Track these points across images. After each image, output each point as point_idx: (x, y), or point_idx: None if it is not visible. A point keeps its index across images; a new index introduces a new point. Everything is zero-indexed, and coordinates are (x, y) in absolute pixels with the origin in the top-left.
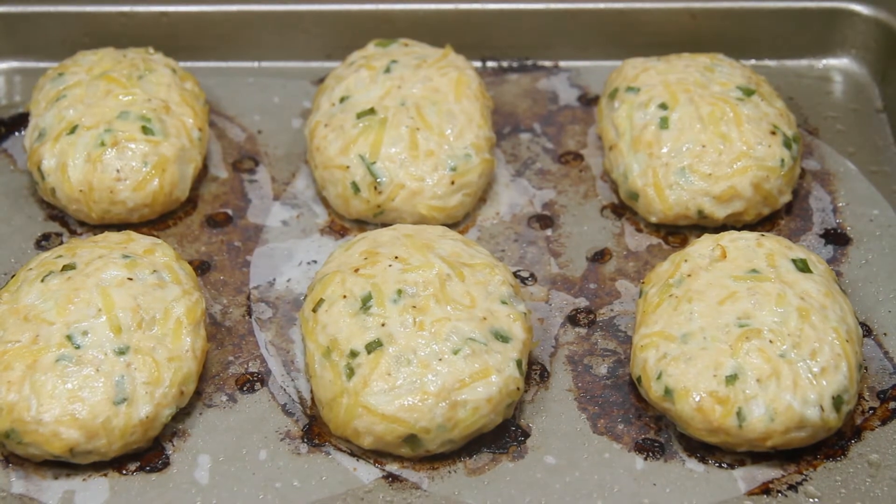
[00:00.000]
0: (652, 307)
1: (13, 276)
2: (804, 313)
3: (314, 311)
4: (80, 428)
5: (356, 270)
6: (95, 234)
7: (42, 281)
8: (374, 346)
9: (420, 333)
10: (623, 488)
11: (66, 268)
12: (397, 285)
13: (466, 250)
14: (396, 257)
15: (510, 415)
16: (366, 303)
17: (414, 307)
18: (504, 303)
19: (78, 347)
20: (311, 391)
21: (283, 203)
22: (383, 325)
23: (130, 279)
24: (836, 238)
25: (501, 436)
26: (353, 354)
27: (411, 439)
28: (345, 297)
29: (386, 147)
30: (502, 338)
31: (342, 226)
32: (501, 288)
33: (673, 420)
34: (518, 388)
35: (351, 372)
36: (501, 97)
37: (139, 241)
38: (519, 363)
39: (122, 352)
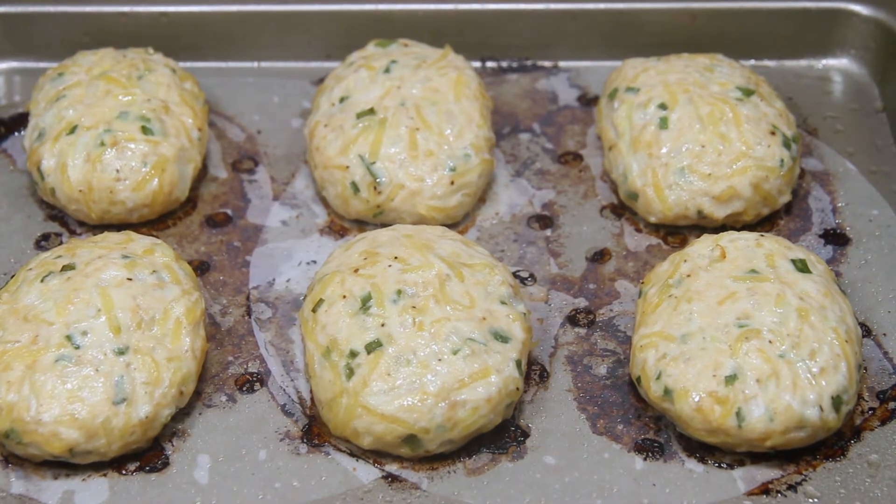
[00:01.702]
0: (651, 307)
1: (13, 276)
2: (803, 313)
3: (314, 311)
4: (80, 428)
5: (356, 271)
6: (95, 235)
7: (42, 281)
8: (373, 347)
9: (419, 334)
10: (622, 488)
11: (65, 268)
12: (397, 285)
13: (466, 250)
14: (396, 257)
15: (509, 415)
16: (365, 303)
17: (413, 307)
18: (503, 303)
19: (77, 347)
20: (311, 391)
21: (282, 203)
22: (383, 325)
23: (130, 279)
24: (836, 238)
25: (501, 436)
26: (353, 354)
27: (411, 439)
28: (344, 297)
29: (385, 147)
30: (502, 338)
31: (342, 226)
32: (501, 288)
33: (672, 420)
34: (517, 389)
35: (350, 372)
36: (501, 97)
37: (139, 242)
38: (518, 363)
39: (121, 352)
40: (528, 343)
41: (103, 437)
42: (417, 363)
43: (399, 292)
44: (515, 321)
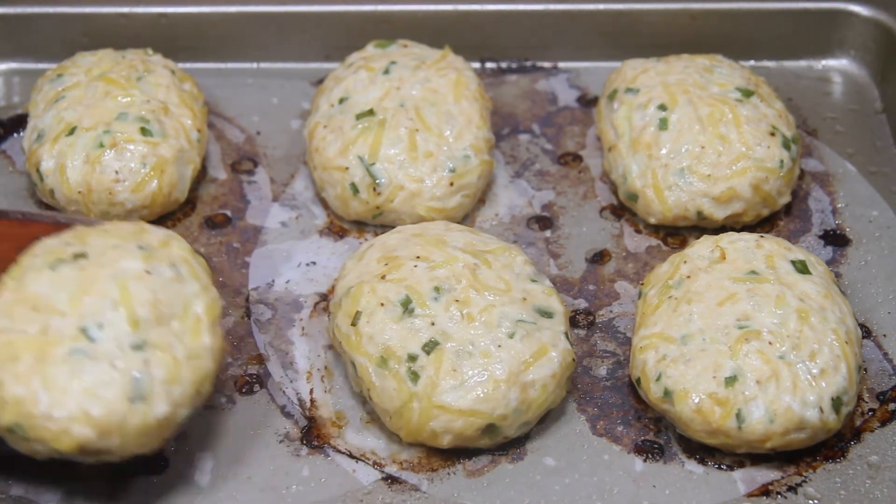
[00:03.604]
0: (651, 308)
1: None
2: (803, 315)
3: (353, 325)
4: (94, 426)
5: (382, 277)
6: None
7: (52, 269)
8: (431, 346)
9: (471, 325)
10: (622, 490)
11: (77, 256)
12: (432, 283)
13: (477, 238)
14: (418, 257)
15: (569, 388)
16: (407, 306)
17: (456, 301)
18: (534, 280)
19: (93, 341)
20: (363, 402)
21: (281, 204)
22: (433, 324)
23: (148, 272)
24: (836, 239)
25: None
26: (412, 358)
27: (490, 429)
28: (382, 304)
29: (385, 148)
30: (546, 314)
31: (341, 227)
32: (526, 268)
33: (672, 421)
34: (573, 360)
35: (415, 376)
36: (500, 98)
37: (153, 233)
38: (566, 335)
39: (139, 347)
40: (567, 314)
41: (117, 436)
42: (479, 353)
43: (437, 289)
44: (551, 296)
